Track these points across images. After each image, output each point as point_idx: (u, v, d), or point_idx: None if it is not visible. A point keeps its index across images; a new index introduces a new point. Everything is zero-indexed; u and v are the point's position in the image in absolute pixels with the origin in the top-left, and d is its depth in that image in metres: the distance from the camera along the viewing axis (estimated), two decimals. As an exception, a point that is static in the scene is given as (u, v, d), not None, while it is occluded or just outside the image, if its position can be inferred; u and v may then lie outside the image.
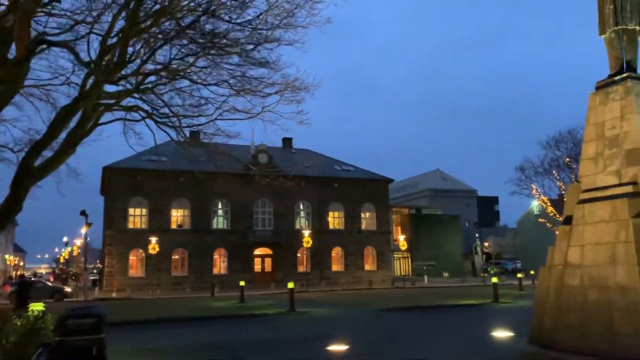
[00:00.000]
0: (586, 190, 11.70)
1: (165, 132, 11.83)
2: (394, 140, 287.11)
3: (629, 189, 10.71)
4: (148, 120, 11.79)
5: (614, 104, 11.46)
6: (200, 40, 10.35)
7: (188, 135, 12.35)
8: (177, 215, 49.95)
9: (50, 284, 42.58)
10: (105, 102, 11.24)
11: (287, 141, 61.69)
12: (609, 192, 11.08)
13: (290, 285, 24.06)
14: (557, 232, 12.26)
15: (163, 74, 11.16)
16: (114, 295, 40.14)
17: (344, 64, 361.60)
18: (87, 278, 40.37)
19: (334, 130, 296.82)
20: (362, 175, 57.54)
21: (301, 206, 54.16)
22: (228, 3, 9.98)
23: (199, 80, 11.27)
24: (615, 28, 11.67)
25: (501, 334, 14.14)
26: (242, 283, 30.85)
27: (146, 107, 11.69)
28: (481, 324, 16.93)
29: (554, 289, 11.58)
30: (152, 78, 11.40)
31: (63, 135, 11.13)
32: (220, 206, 51.36)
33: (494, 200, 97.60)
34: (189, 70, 11.03)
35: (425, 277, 51.69)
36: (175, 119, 11.60)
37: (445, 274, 53.04)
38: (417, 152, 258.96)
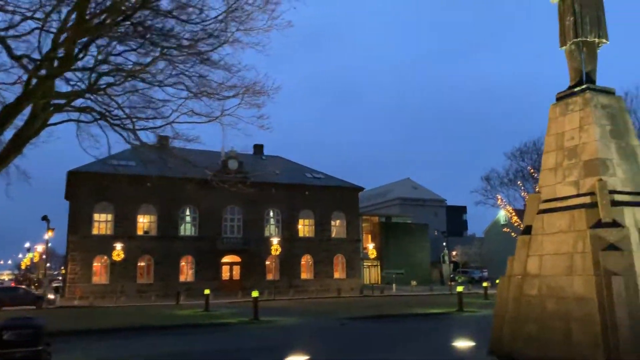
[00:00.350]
0: (546, 201, 11.74)
1: (120, 134, 11.43)
2: (367, 148, 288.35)
3: (587, 199, 10.76)
4: (102, 122, 11.38)
5: (573, 115, 11.55)
6: (147, 37, 9.99)
7: (144, 137, 11.95)
8: (144, 222, 48.90)
9: (34, 291, 41.25)
10: (55, 102, 10.80)
11: (258, 148, 61.27)
12: (568, 203, 11.13)
13: (255, 293, 23.68)
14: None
15: (113, 74, 10.76)
16: (76, 302, 39.01)
17: (320, 71, 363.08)
18: (47, 285, 39.14)
19: (308, 137, 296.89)
20: (332, 183, 57.41)
21: (271, 213, 53.69)
22: (186, 3, 9.70)
23: (155, 82, 10.91)
24: (575, 40, 11.80)
25: (462, 343, 14.07)
26: (207, 291, 30.27)
27: (100, 109, 11.27)
28: (443, 333, 16.88)
29: (513, 299, 11.56)
30: (107, 79, 10.99)
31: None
32: (188, 212, 50.51)
33: (463, 209, 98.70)
34: (143, 72, 10.65)
35: (394, 285, 51.76)
36: (128, 121, 11.21)
37: (414, 283, 53.12)
38: (388, 160, 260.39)
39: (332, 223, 55.92)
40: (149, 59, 10.53)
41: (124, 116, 11.14)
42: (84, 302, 38.66)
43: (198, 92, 10.84)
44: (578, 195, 10.98)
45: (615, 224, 10.14)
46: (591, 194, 10.71)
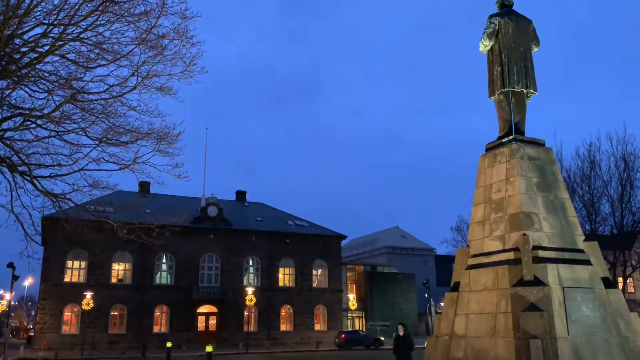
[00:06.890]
0: (474, 256, 11.18)
1: (31, 182, 10.91)
2: (354, 197, 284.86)
3: (511, 255, 10.20)
4: (4, 169, 10.90)
5: (501, 167, 11.13)
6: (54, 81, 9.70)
7: (50, 186, 11.45)
8: (118, 269, 47.74)
9: None
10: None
11: (240, 194, 60.83)
12: (494, 258, 10.56)
13: (209, 348, 22.67)
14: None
15: (14, 118, 10.39)
16: (40, 354, 37.46)
17: (310, 126, 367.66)
18: (7, 335, 37.75)
19: (295, 186, 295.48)
20: (314, 230, 56.50)
21: (250, 262, 52.57)
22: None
23: (58, 130, 10.52)
24: (504, 90, 11.51)
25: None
26: (168, 344, 29.11)
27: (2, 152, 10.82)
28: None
29: (439, 362, 10.81)
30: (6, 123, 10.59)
31: None
32: (164, 260, 49.40)
33: (452, 259, 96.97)
34: (46, 117, 10.29)
35: (376, 338, 50.08)
36: (24, 167, 10.74)
37: (396, 335, 51.37)
38: (377, 209, 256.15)
39: (314, 272, 54.71)
40: (52, 104, 10.22)
41: (19, 162, 10.70)
42: (48, 355, 37.13)
43: (98, 138, 10.49)
44: (503, 251, 10.42)
45: (537, 282, 9.54)
46: (516, 249, 10.16)
